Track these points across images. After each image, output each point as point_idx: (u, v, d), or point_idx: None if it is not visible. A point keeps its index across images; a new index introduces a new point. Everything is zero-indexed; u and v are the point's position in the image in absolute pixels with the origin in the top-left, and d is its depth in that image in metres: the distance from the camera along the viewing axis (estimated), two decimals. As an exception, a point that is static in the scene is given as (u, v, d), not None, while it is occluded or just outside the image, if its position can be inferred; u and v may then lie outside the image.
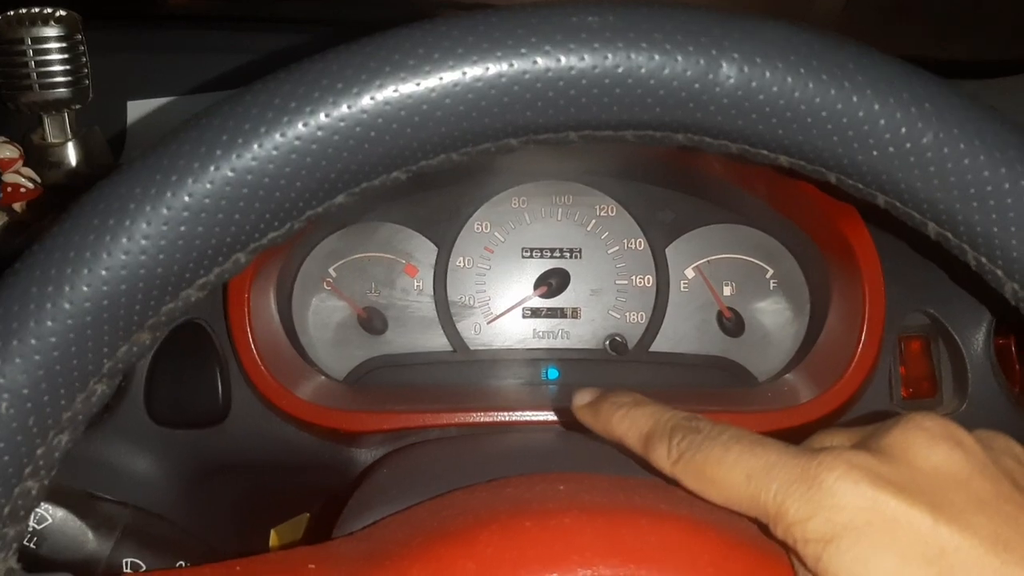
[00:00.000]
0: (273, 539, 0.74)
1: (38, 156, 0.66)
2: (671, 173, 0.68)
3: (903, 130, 0.29)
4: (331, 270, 0.68)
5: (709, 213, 0.69)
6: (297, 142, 0.27)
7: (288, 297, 0.67)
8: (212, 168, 0.27)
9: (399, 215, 0.69)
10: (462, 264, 0.69)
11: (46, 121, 0.66)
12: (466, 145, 0.29)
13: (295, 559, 0.36)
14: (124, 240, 0.27)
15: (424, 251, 0.69)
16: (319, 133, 0.27)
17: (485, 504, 0.36)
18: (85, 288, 0.27)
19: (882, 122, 0.28)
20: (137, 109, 0.84)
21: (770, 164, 0.31)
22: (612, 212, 0.69)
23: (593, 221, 0.69)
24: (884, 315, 0.59)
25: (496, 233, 0.69)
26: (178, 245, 0.27)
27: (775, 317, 0.68)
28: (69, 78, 0.63)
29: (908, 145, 0.29)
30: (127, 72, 0.83)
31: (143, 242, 0.27)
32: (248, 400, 0.61)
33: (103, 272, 0.27)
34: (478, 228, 0.69)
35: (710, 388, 0.67)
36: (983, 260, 0.34)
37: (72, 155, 0.67)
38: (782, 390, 0.63)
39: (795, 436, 0.60)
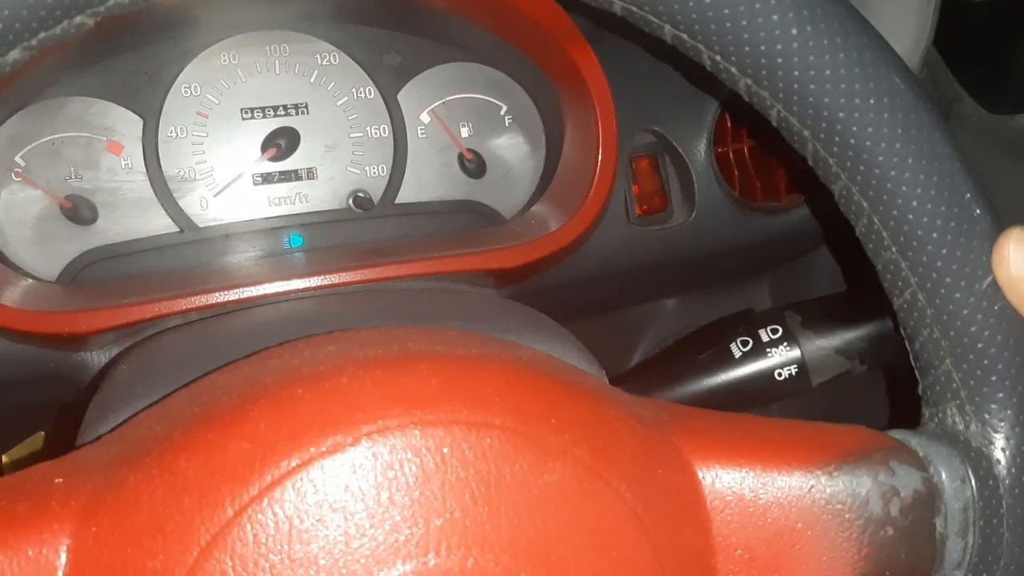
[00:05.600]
0: (7, 467, 0.66)
1: None
2: (393, 13, 0.64)
3: None
4: (18, 158, 0.58)
5: (437, 53, 0.66)
6: None
7: (-33, 195, 0.57)
8: None
9: (90, 86, 0.60)
10: (174, 134, 0.62)
11: None
12: None
13: (35, 478, 0.31)
14: None
15: (127, 124, 0.61)
16: None
17: (249, 380, 0.33)
18: None
19: None
20: None
21: None
22: (335, 60, 0.64)
23: (316, 72, 0.64)
24: (616, 137, 0.60)
25: (208, 95, 0.62)
26: None
27: (514, 152, 0.67)
28: None
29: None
30: None
31: None
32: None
33: None
34: (186, 91, 0.62)
35: (460, 232, 0.66)
36: (718, 59, 0.34)
37: None
38: (530, 223, 0.64)
39: (548, 264, 0.62)
